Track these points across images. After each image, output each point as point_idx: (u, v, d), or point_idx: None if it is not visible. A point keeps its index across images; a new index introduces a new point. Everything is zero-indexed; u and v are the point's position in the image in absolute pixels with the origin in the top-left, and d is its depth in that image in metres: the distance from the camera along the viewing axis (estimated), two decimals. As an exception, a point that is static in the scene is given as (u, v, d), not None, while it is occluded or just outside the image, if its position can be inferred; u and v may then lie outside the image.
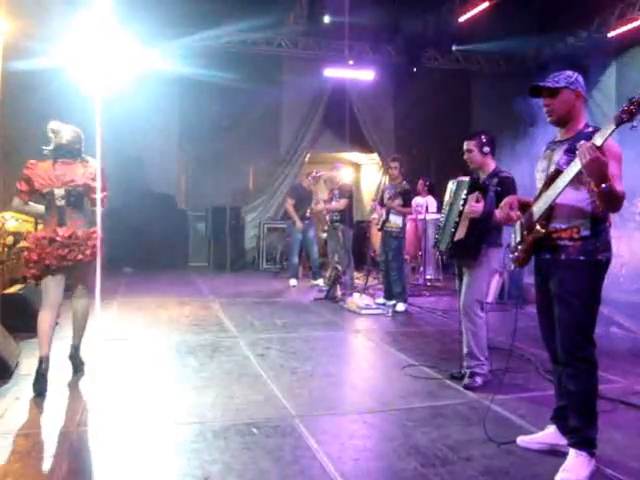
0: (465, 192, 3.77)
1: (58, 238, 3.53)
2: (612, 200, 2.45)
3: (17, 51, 5.35)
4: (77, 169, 3.67)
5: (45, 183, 3.60)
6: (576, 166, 2.47)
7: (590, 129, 2.64)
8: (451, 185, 4.03)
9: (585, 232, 2.58)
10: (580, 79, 2.69)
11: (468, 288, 3.87)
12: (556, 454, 2.73)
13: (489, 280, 3.87)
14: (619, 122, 2.28)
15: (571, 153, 2.55)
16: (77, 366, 3.93)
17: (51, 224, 3.62)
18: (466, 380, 3.84)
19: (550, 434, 2.84)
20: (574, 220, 2.61)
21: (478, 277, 3.85)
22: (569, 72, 2.71)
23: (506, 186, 3.64)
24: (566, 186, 2.54)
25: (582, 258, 2.58)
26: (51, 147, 3.65)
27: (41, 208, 3.75)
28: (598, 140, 2.35)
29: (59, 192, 3.59)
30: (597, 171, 2.35)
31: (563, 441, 2.74)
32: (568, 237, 2.62)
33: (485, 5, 9.14)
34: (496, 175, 3.80)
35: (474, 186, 3.75)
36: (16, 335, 4.38)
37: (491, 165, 3.91)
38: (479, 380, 3.81)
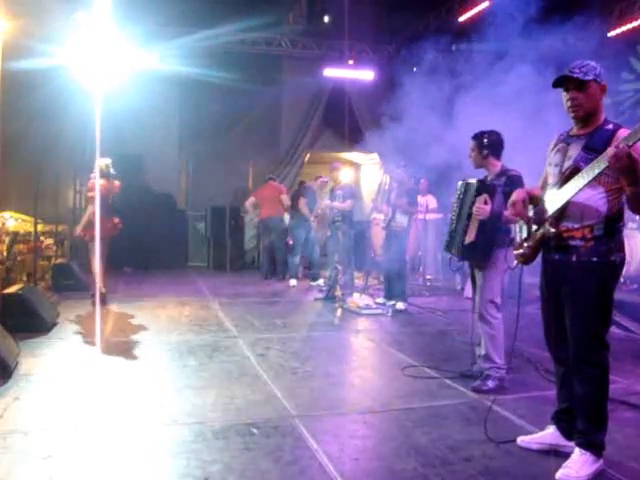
0: (473, 194, 3.71)
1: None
2: None
3: (17, 50, 5.34)
4: (112, 183, 6.17)
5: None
6: (598, 167, 2.32)
7: (610, 126, 2.48)
8: (459, 187, 3.92)
9: (598, 232, 2.45)
10: (603, 71, 2.49)
11: (481, 291, 3.82)
12: (556, 454, 2.72)
13: (502, 280, 3.82)
14: None
15: (590, 151, 2.43)
16: (105, 299, 6.03)
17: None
18: (477, 382, 3.75)
19: (550, 434, 2.82)
20: (587, 220, 2.48)
21: (489, 279, 3.79)
22: (593, 63, 2.50)
23: (514, 184, 3.50)
24: (585, 186, 2.40)
25: (595, 259, 2.46)
26: (104, 173, 5.93)
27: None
28: (630, 140, 2.18)
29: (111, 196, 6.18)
30: (633, 175, 2.22)
31: (563, 441, 2.73)
32: (580, 237, 2.49)
33: (485, 5, 9.14)
34: (504, 174, 3.72)
35: (482, 188, 3.69)
36: (16, 335, 4.38)
37: (496, 165, 3.81)
38: (490, 384, 3.71)
